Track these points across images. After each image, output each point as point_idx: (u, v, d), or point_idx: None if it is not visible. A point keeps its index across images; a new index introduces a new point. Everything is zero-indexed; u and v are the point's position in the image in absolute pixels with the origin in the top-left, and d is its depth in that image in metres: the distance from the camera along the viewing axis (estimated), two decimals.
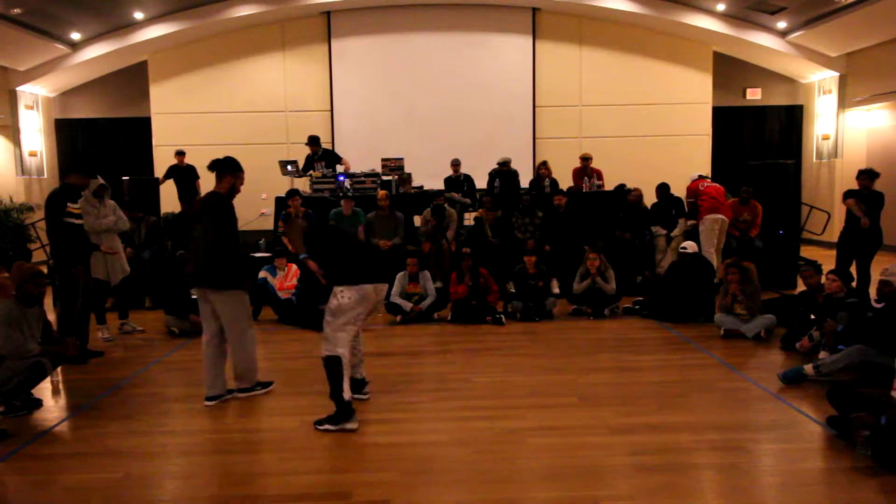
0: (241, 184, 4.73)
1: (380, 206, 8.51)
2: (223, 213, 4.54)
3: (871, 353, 4.55)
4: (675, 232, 8.52)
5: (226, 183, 4.62)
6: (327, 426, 4.01)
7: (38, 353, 4.37)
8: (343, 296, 4.01)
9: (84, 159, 12.50)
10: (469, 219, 9.21)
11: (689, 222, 8.55)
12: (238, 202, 12.04)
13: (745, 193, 8.55)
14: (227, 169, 4.64)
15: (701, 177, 8.75)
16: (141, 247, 7.98)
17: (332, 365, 3.97)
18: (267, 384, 4.82)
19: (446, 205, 8.62)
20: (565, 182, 10.10)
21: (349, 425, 3.99)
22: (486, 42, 12.64)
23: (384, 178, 9.45)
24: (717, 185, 8.38)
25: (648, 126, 12.73)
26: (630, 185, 9.11)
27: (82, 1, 10.37)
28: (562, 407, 4.39)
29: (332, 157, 9.94)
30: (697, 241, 7.80)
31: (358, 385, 4.51)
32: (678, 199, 9.14)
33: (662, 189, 8.96)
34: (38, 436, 4.05)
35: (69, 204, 5.56)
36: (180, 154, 10.90)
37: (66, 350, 4.61)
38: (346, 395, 3.99)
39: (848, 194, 7.32)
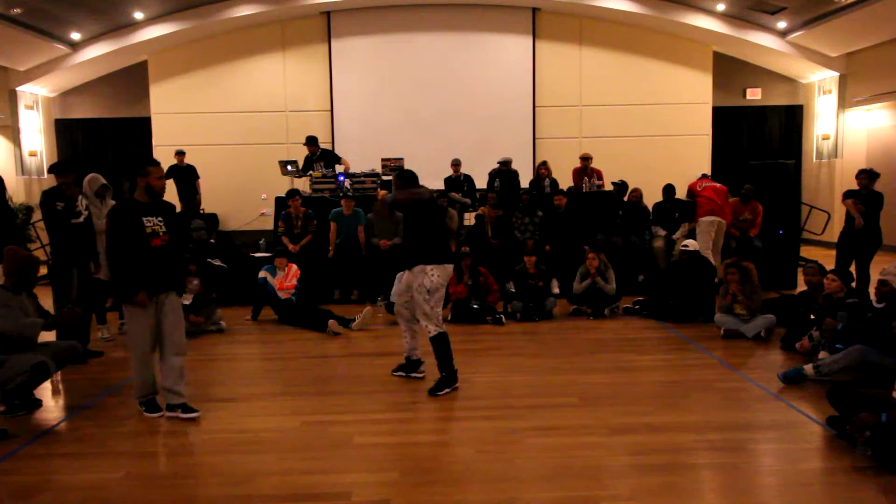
0: (158, 177, 4.27)
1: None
2: (116, 220, 4.15)
3: (872, 353, 4.55)
4: (677, 234, 8.52)
5: (140, 186, 4.24)
6: (445, 390, 4.68)
7: (41, 323, 4.38)
8: (434, 274, 4.63)
9: (66, 158, 12.49)
10: (469, 218, 9.21)
11: (688, 225, 8.55)
12: (238, 202, 12.13)
13: (746, 192, 8.54)
14: (134, 170, 4.26)
15: (703, 176, 8.70)
16: None
17: (443, 341, 4.68)
18: (155, 409, 4.32)
19: (447, 205, 8.63)
20: (565, 182, 10.11)
21: (456, 385, 4.76)
22: (486, 42, 12.63)
23: (384, 178, 9.46)
24: (718, 186, 8.33)
25: (648, 126, 12.73)
26: (630, 185, 9.10)
27: (82, 1, 10.37)
28: (562, 407, 4.39)
29: (331, 158, 9.94)
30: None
31: (415, 365, 5.09)
32: (682, 201, 9.15)
33: (668, 191, 8.97)
34: (38, 436, 4.05)
35: (59, 203, 5.58)
36: (180, 154, 10.91)
37: (66, 318, 4.55)
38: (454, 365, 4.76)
39: (847, 194, 7.32)
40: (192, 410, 4.25)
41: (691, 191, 8.43)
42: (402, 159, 9.55)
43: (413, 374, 5.08)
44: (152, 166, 4.27)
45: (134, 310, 4.16)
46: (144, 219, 4.17)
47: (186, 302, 6.56)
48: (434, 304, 4.68)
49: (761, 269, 7.34)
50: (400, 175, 4.97)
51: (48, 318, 4.55)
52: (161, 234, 4.21)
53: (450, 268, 4.79)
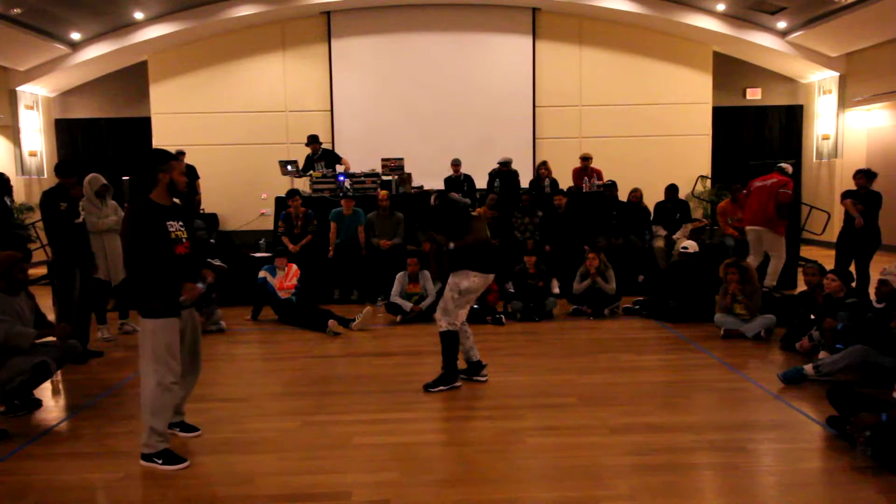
0: (182, 172, 3.67)
1: (380, 206, 8.53)
2: (129, 226, 3.54)
3: (872, 353, 4.55)
4: (678, 234, 8.51)
5: (161, 184, 3.60)
6: (440, 387, 4.72)
7: (35, 334, 4.35)
8: (473, 280, 4.71)
9: (70, 159, 12.48)
10: None
11: (690, 226, 8.55)
12: (238, 202, 12.11)
13: (734, 190, 8.51)
14: (154, 164, 3.61)
15: (778, 170, 7.62)
16: None
17: (451, 339, 4.75)
18: (178, 460, 3.57)
19: None
20: (565, 182, 10.11)
21: (456, 384, 4.79)
22: (486, 42, 12.63)
23: (384, 178, 9.46)
24: (771, 182, 7.44)
25: (648, 126, 12.73)
26: (630, 186, 9.10)
27: (82, 1, 10.37)
28: (562, 407, 4.39)
29: (331, 157, 9.95)
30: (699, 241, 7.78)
31: (476, 367, 4.97)
32: (684, 202, 9.15)
33: (670, 190, 8.96)
34: (38, 436, 4.05)
35: (62, 203, 5.58)
36: (180, 154, 10.89)
37: (58, 333, 4.53)
38: (460, 364, 4.83)
39: (846, 194, 7.33)
40: (193, 429, 3.98)
41: (748, 187, 7.81)
42: (402, 159, 9.55)
43: (476, 378, 4.95)
44: (175, 160, 3.67)
45: (162, 324, 3.55)
46: (167, 223, 3.58)
47: (183, 300, 6.45)
48: (459, 305, 4.74)
49: (761, 269, 7.34)
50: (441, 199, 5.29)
51: (42, 329, 4.51)
52: (184, 240, 3.66)
53: (490, 278, 4.82)
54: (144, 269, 3.52)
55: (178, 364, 3.61)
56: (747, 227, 7.76)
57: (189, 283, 3.61)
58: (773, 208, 7.39)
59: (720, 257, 7.32)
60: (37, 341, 4.43)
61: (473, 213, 5.59)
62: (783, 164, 7.74)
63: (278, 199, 9.04)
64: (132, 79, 12.94)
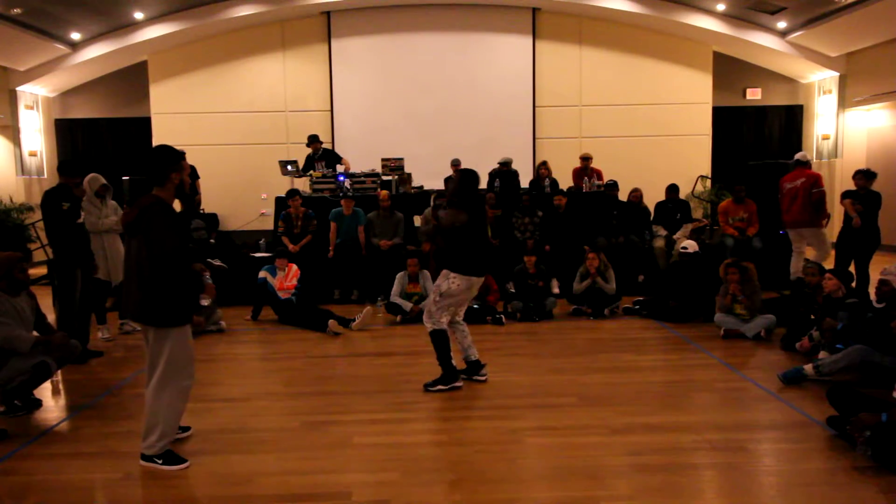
0: (188, 173, 3.61)
1: (381, 206, 8.53)
2: (165, 227, 3.40)
3: (872, 353, 4.55)
4: (678, 234, 8.51)
5: (171, 184, 3.50)
6: (440, 386, 4.70)
7: (33, 339, 4.33)
8: (453, 282, 4.62)
9: (74, 159, 12.48)
10: None
11: (690, 226, 8.55)
12: (238, 202, 12.14)
13: (738, 191, 8.53)
14: (167, 163, 3.49)
15: (798, 165, 7.80)
16: None
17: (440, 337, 4.71)
18: (179, 460, 3.55)
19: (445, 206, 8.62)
20: (565, 182, 10.11)
21: (457, 384, 4.74)
22: (486, 42, 12.63)
23: (384, 178, 9.46)
24: (800, 182, 7.64)
25: (648, 126, 12.73)
26: (630, 186, 9.11)
27: (82, 1, 10.37)
28: (562, 407, 4.39)
29: (332, 157, 9.96)
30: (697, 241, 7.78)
31: (475, 367, 4.94)
32: (685, 202, 9.14)
33: (671, 190, 8.95)
34: (38, 436, 4.05)
35: (65, 203, 5.57)
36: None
37: (54, 340, 4.51)
38: (454, 361, 4.77)
39: (845, 195, 7.34)
40: (184, 430, 3.95)
41: (780, 187, 7.92)
42: (402, 159, 9.55)
43: (475, 377, 4.93)
44: (184, 160, 3.59)
45: (185, 330, 3.54)
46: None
47: (206, 303, 6.51)
48: (440, 308, 4.70)
49: (761, 269, 7.33)
50: (460, 181, 4.74)
51: (41, 336, 4.49)
52: None
53: (476, 281, 4.72)
54: (177, 271, 3.44)
55: (192, 371, 3.63)
56: (790, 230, 7.92)
57: (209, 284, 3.59)
58: (809, 207, 7.64)
59: (720, 257, 7.34)
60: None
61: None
62: (800, 157, 7.90)
63: (278, 199, 9.04)
64: (132, 79, 12.94)
